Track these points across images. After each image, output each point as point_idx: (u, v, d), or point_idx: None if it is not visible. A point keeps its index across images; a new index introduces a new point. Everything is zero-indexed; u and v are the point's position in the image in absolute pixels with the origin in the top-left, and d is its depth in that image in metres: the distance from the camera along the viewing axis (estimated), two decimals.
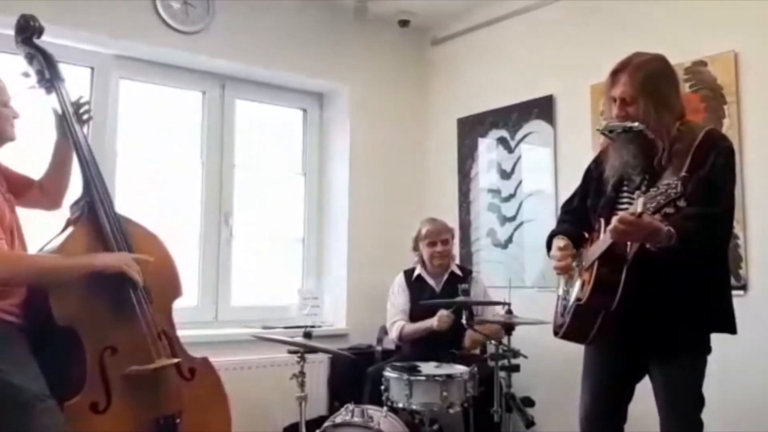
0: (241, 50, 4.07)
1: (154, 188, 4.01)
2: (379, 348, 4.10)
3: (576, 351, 2.48)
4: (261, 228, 4.41)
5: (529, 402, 3.03)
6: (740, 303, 2.36)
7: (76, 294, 2.39)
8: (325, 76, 4.47)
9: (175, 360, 2.59)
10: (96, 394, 2.38)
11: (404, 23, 4.59)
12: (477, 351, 3.70)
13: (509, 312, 3.04)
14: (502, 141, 4.33)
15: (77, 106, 2.69)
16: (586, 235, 2.44)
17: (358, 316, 4.34)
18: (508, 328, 2.98)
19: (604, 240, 2.21)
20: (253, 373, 3.75)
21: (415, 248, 3.92)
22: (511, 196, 4.26)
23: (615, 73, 2.31)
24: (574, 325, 2.34)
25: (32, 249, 2.52)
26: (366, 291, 4.31)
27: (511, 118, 4.27)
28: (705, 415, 2.23)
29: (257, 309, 4.25)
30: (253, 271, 4.35)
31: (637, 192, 2.14)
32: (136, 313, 2.51)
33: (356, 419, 2.85)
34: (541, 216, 3.96)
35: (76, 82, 3.62)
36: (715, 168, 2.16)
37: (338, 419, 2.92)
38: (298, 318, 4.25)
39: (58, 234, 2.56)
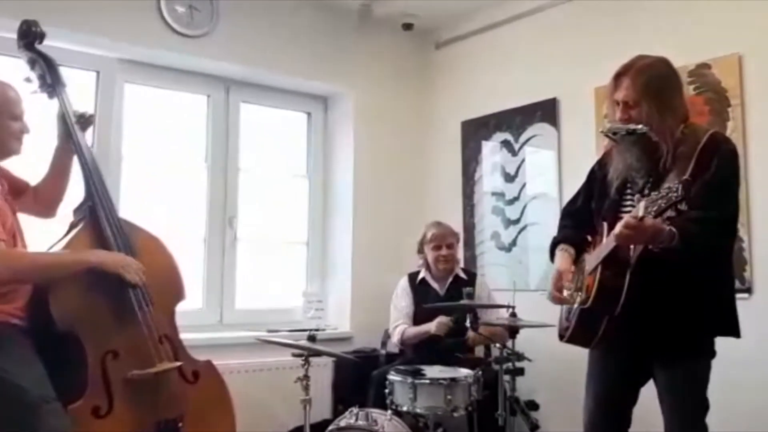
0: (246, 54, 4.08)
1: (159, 192, 4.02)
2: (383, 351, 4.09)
3: (580, 354, 2.48)
4: (265, 231, 4.42)
5: (533, 405, 3.04)
6: (745, 306, 2.35)
7: (75, 298, 2.40)
8: (330, 80, 4.47)
9: (178, 363, 2.59)
10: (98, 398, 2.39)
11: (408, 26, 4.59)
12: (481, 354, 3.70)
13: (513, 315, 3.04)
14: (506, 144, 4.33)
15: (79, 117, 2.68)
16: (589, 238, 2.44)
17: (362, 320, 4.34)
18: (513, 331, 2.98)
19: (607, 244, 2.20)
20: (257, 376, 3.75)
21: (420, 251, 3.91)
22: (515, 199, 4.25)
23: (618, 77, 2.31)
24: (578, 329, 2.34)
25: None
26: (370, 294, 4.30)
27: (514, 121, 4.26)
28: (709, 420, 2.22)
29: (261, 312, 4.25)
30: (257, 274, 4.35)
31: (637, 196, 2.13)
32: (137, 316, 2.51)
33: (360, 423, 2.85)
34: (545, 219, 3.95)
35: (81, 86, 3.66)
36: (719, 171, 2.16)
37: (342, 423, 2.92)
38: (302, 321, 4.25)
39: (60, 238, 2.56)
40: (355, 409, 2.92)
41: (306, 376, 2.87)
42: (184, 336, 2.84)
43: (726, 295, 2.25)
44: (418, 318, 3.74)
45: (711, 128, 2.46)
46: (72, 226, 2.61)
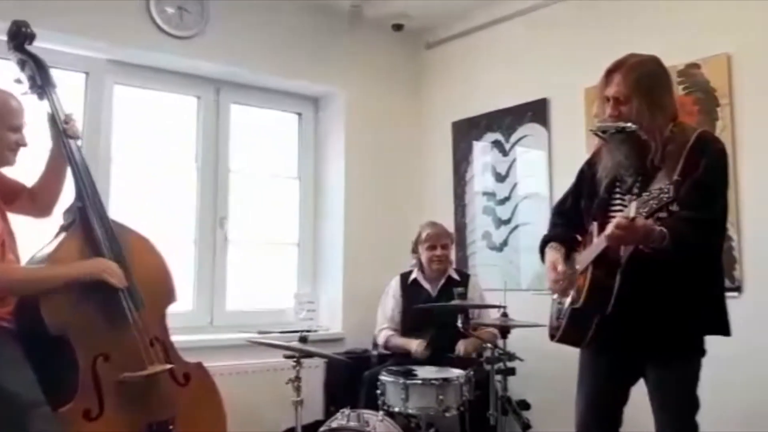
0: (236, 54, 4.07)
1: (149, 193, 4.00)
2: (375, 352, 4.09)
3: (572, 354, 2.48)
4: (256, 232, 4.40)
5: (525, 405, 3.03)
6: (735, 305, 2.36)
7: (66, 303, 2.39)
8: (320, 80, 4.47)
9: (169, 366, 2.59)
10: (88, 401, 2.38)
11: (398, 27, 4.60)
12: (473, 354, 3.70)
13: (505, 315, 3.04)
14: (496, 144, 4.33)
15: (66, 121, 2.67)
16: (579, 238, 2.45)
17: (354, 320, 4.33)
18: (504, 331, 2.98)
19: (598, 244, 2.21)
20: (248, 377, 3.74)
21: (414, 251, 3.91)
22: (506, 198, 4.26)
23: (609, 73, 2.32)
24: (570, 328, 2.35)
25: (25, 255, 2.51)
26: (362, 295, 4.30)
27: (505, 121, 4.27)
28: (700, 418, 2.23)
29: (253, 314, 4.24)
30: (248, 275, 4.34)
31: (629, 196, 2.14)
32: (127, 319, 2.51)
33: (352, 424, 2.85)
34: (537, 218, 3.96)
35: (70, 87, 3.64)
36: (707, 170, 2.17)
37: (334, 424, 2.91)
38: (294, 322, 4.24)
39: (50, 241, 2.55)
40: (346, 410, 2.92)
41: (297, 378, 2.87)
42: (174, 338, 2.84)
43: (716, 294, 2.26)
44: (410, 318, 3.74)
45: (699, 127, 2.48)
46: (62, 229, 2.60)
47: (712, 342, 2.25)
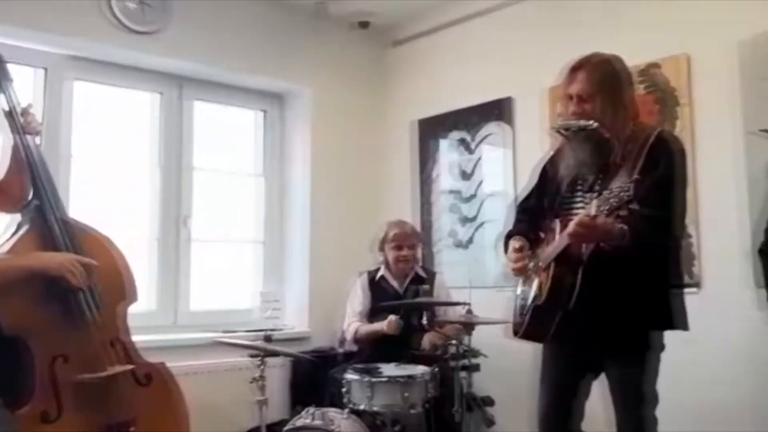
0: (200, 51, 4.02)
1: (110, 191, 3.93)
2: (341, 350, 4.08)
3: (535, 349, 2.51)
4: (221, 231, 4.36)
5: (489, 401, 3.05)
6: (694, 300, 2.41)
7: (21, 303, 2.33)
8: (285, 78, 4.44)
9: (129, 367, 2.55)
10: (46, 403, 2.33)
11: (364, 25, 4.59)
12: (438, 351, 3.71)
13: (469, 312, 3.05)
14: (462, 142, 4.35)
15: (24, 115, 2.61)
16: (542, 235, 2.47)
17: (320, 319, 4.32)
18: (469, 328, 2.99)
19: (560, 241, 2.23)
20: (213, 377, 3.70)
21: (381, 249, 3.90)
22: (472, 196, 4.28)
23: (573, 71, 2.35)
24: (532, 324, 2.37)
25: None
26: (328, 293, 4.29)
27: (470, 120, 4.29)
28: (659, 412, 2.27)
29: (217, 313, 4.19)
30: (212, 274, 4.29)
31: (590, 194, 2.17)
32: (86, 319, 2.46)
33: (317, 422, 2.83)
34: (501, 216, 3.98)
35: (28, 83, 3.56)
36: (667, 169, 2.21)
37: (299, 422, 2.90)
38: (259, 321, 4.20)
39: (8, 238, 2.49)
40: (311, 409, 2.90)
41: (262, 377, 2.85)
42: (137, 338, 2.80)
43: (675, 290, 2.30)
44: (375, 316, 3.74)
45: (659, 127, 2.52)
46: (18, 226, 2.53)
47: (671, 337, 2.29)
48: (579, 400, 2.41)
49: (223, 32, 4.11)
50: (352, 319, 3.82)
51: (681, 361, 2.51)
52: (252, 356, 2.90)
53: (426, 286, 3.26)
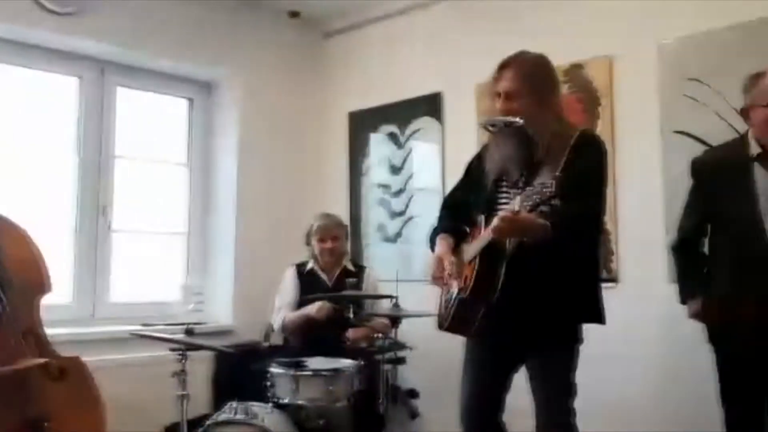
0: (123, 33, 3.87)
1: (23, 179, 3.74)
2: (266, 344, 4.02)
3: (460, 342, 2.54)
4: (142, 221, 4.23)
5: (413, 394, 3.08)
6: (611, 294, 2.50)
7: None
8: (213, 65, 4.34)
9: (41, 360, 2.45)
10: None
11: (294, 14, 4.53)
12: (365, 345, 3.71)
13: (396, 305, 3.06)
14: (392, 136, 4.37)
15: None
16: (468, 229, 2.50)
17: (245, 312, 4.25)
18: (395, 320, 3.01)
19: (485, 236, 2.26)
20: (132, 372, 3.58)
21: (308, 243, 3.87)
22: (401, 191, 4.31)
23: (501, 68, 2.38)
24: (457, 318, 2.39)
25: None
26: (254, 286, 4.22)
27: (400, 114, 4.31)
28: (578, 403, 2.33)
29: (138, 306, 4.07)
30: (134, 266, 4.16)
31: (514, 190, 2.20)
32: None
33: (239, 416, 2.79)
34: (430, 211, 3.98)
35: None
36: (587, 167, 2.27)
37: (221, 417, 2.85)
38: (181, 315, 4.11)
39: None
40: (234, 403, 2.86)
41: (183, 371, 2.78)
42: (52, 331, 2.70)
43: (593, 285, 2.37)
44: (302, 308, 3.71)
45: (582, 126, 2.59)
46: None
47: (588, 330, 2.36)
48: (499, 392, 2.45)
49: (149, 15, 3.97)
50: (280, 311, 3.77)
51: (598, 354, 2.59)
52: (173, 350, 2.82)
53: (352, 280, 3.25)
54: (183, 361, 2.78)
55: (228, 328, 4.24)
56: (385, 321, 3.20)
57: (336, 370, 3.02)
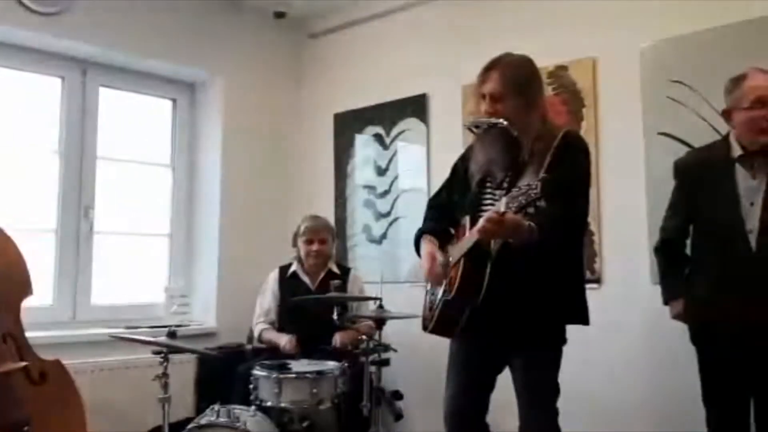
0: (106, 34, 3.84)
1: (4, 179, 3.70)
2: (249, 346, 4.01)
3: (444, 344, 2.53)
4: (125, 222, 4.19)
5: (398, 395, 3.06)
6: (595, 295, 2.50)
7: None
8: (197, 65, 4.31)
9: (22, 364, 2.43)
10: None
11: (280, 15, 4.51)
12: (350, 348, 3.70)
13: (381, 307, 3.05)
14: (377, 138, 4.36)
15: None
16: (452, 231, 2.50)
17: (229, 315, 4.22)
18: (379, 322, 2.99)
19: (470, 237, 2.26)
20: (113, 375, 3.55)
21: (294, 244, 3.86)
22: (386, 192, 4.30)
23: (486, 71, 2.38)
24: (442, 319, 2.39)
25: None
26: (238, 288, 4.19)
27: (386, 115, 4.30)
28: (561, 403, 2.33)
29: (121, 308, 4.04)
30: (116, 268, 4.12)
31: (499, 192, 2.20)
32: None
33: (222, 420, 2.76)
34: (415, 212, 3.97)
35: None
36: (571, 168, 2.27)
37: (203, 420, 2.82)
38: (165, 317, 4.08)
39: None
40: (216, 406, 2.83)
41: (165, 374, 2.75)
42: (32, 334, 2.67)
43: (577, 286, 2.37)
44: (286, 312, 3.70)
45: (566, 127, 2.59)
46: None
47: (571, 330, 2.36)
48: (484, 393, 2.44)
49: (131, 15, 3.93)
50: (260, 318, 3.79)
51: (582, 355, 2.60)
52: (155, 353, 2.79)
53: (337, 282, 3.23)
54: (165, 364, 2.75)
55: (211, 331, 4.21)
56: (370, 323, 3.19)
57: (320, 372, 3.01)
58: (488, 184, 2.41)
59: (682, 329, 2.66)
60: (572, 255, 2.37)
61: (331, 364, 3.10)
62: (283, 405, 2.95)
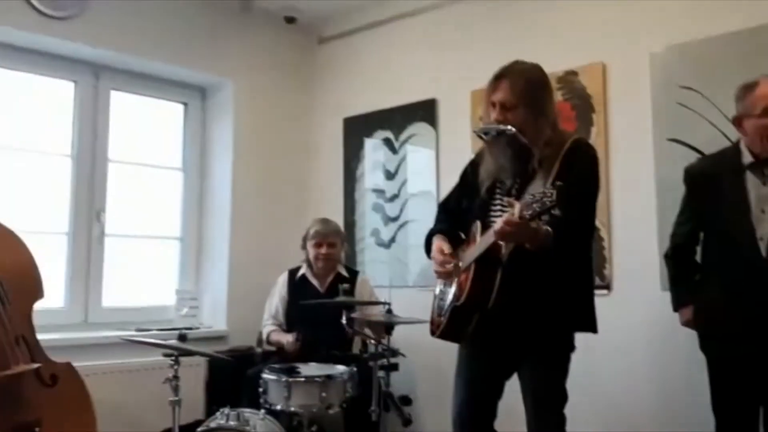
0: (118, 38, 3.87)
1: (18, 183, 3.73)
2: (259, 350, 4.02)
3: (453, 349, 2.53)
4: (137, 225, 4.22)
5: (406, 401, 3.07)
6: (604, 302, 2.50)
7: None
8: (209, 70, 4.33)
9: (34, 365, 2.45)
10: None
11: (291, 20, 4.53)
12: (358, 350, 3.71)
13: (389, 312, 3.06)
14: (387, 142, 4.37)
15: None
16: (463, 236, 2.50)
17: (239, 317, 4.24)
18: (388, 327, 3.00)
19: (483, 241, 2.25)
20: (124, 377, 3.57)
21: (303, 247, 3.87)
22: (395, 196, 4.31)
23: (497, 79, 2.37)
24: (450, 325, 2.39)
25: None
26: (248, 291, 4.21)
27: (395, 120, 4.31)
28: (569, 410, 2.33)
29: (132, 311, 4.07)
30: (127, 271, 4.15)
31: (507, 198, 2.19)
32: None
33: (231, 423, 2.78)
34: (424, 216, 4.01)
35: None
36: (580, 175, 2.27)
37: (213, 424, 2.84)
38: (175, 320, 4.11)
39: None
40: (226, 410, 2.84)
41: (175, 377, 2.76)
42: (44, 336, 2.69)
43: (586, 294, 2.36)
44: (296, 314, 3.71)
45: (575, 134, 2.59)
46: None
47: (581, 337, 2.36)
48: (492, 399, 2.43)
49: (144, 20, 3.97)
50: (267, 321, 3.81)
51: (591, 361, 2.59)
52: (165, 355, 2.81)
53: (346, 286, 3.24)
54: (175, 366, 2.77)
55: (221, 334, 4.22)
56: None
57: (329, 377, 3.01)
58: (497, 191, 2.41)
59: (691, 336, 2.66)
60: (582, 263, 2.36)
61: (339, 369, 3.10)
62: (292, 409, 2.96)
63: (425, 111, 4.15)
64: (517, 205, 2.02)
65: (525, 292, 2.24)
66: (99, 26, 3.78)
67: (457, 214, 2.57)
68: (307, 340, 3.53)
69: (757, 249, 2.40)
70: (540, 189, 2.04)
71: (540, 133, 2.32)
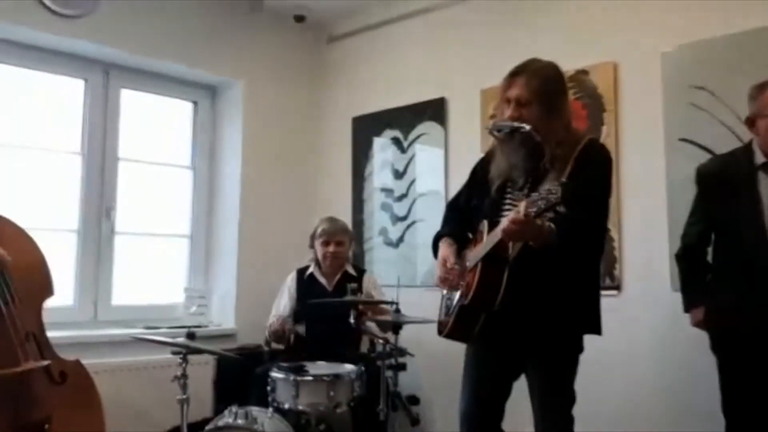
0: (128, 37, 3.88)
1: (28, 180, 3.75)
2: (267, 348, 4.01)
3: (461, 349, 2.53)
4: (146, 223, 4.23)
5: (414, 400, 3.07)
6: (614, 302, 2.50)
7: None
8: (218, 68, 4.34)
9: (44, 363, 2.46)
10: None
11: (300, 18, 4.53)
12: (365, 350, 3.70)
13: (397, 311, 3.05)
14: (395, 141, 4.36)
15: None
16: (470, 236, 2.49)
17: (248, 316, 4.24)
18: (396, 327, 2.99)
19: (490, 240, 2.24)
20: (133, 375, 3.59)
21: (311, 246, 3.88)
22: (404, 195, 4.30)
23: (513, 75, 2.35)
24: (457, 324, 2.37)
25: None
26: (256, 290, 4.21)
27: (404, 119, 4.30)
28: (576, 411, 2.32)
29: (140, 308, 4.08)
30: (137, 268, 4.16)
31: (517, 193, 2.18)
32: (1, 312, 2.35)
33: (239, 421, 2.78)
34: (433, 216, 3.99)
35: None
36: (593, 175, 2.26)
37: (221, 422, 2.84)
38: (184, 318, 4.12)
39: None
40: (234, 408, 2.84)
41: (184, 375, 2.76)
42: (53, 334, 2.70)
43: (592, 295, 2.35)
44: (305, 312, 3.71)
45: (589, 134, 2.58)
46: None
47: (590, 337, 2.34)
48: (499, 399, 2.42)
49: (154, 19, 3.98)
50: (272, 319, 3.78)
51: (600, 362, 2.57)
52: (174, 353, 2.81)
53: (353, 285, 3.23)
54: (184, 364, 2.77)
55: (230, 332, 4.23)
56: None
57: (337, 376, 3.01)
58: (508, 190, 2.39)
59: (702, 337, 2.64)
60: (589, 264, 2.35)
61: (347, 368, 3.10)
62: (300, 407, 2.96)
63: (434, 110, 4.14)
64: (523, 203, 2.02)
65: (532, 292, 2.23)
66: (109, 25, 3.79)
67: (466, 212, 2.56)
68: (319, 341, 3.52)
69: None
70: None
71: (553, 131, 2.31)
